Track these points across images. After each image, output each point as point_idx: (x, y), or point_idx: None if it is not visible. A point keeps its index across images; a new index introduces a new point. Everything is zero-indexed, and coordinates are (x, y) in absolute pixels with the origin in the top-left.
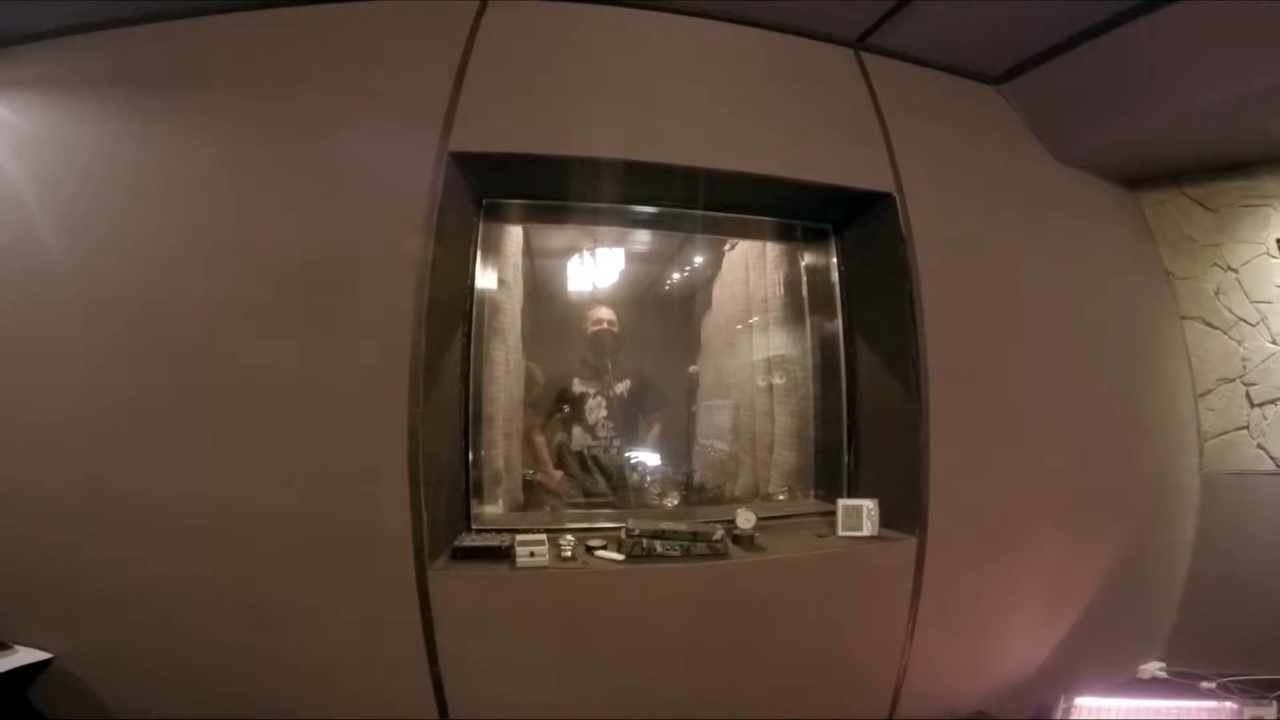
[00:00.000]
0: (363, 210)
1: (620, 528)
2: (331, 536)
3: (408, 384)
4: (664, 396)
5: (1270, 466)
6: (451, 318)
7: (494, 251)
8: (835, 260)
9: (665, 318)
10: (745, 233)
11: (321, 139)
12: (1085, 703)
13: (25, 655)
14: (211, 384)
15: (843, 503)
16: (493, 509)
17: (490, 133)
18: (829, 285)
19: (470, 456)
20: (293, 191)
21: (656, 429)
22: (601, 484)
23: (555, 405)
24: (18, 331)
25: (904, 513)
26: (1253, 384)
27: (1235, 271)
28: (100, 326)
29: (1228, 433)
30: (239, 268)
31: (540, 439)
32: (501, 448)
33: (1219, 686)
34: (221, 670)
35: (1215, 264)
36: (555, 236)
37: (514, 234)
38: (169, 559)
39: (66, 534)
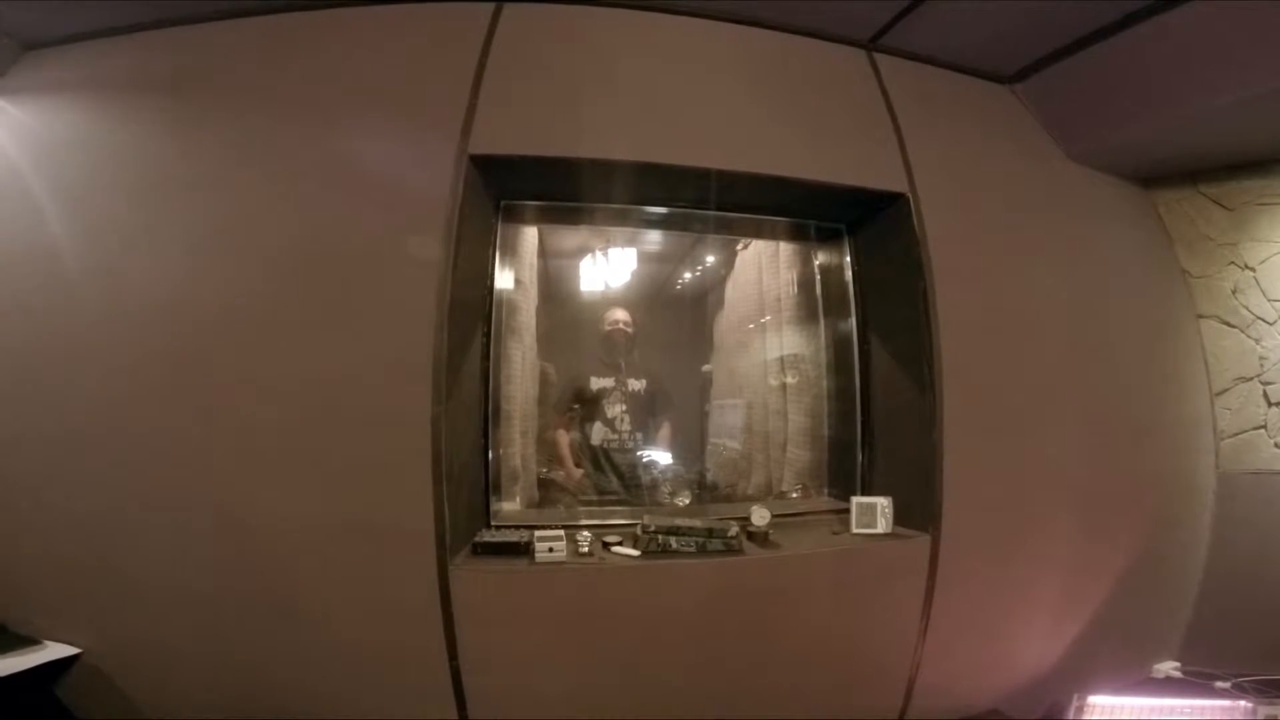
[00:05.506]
0: (386, 212)
1: (635, 524)
2: (355, 533)
3: (430, 383)
4: (677, 394)
5: None
6: (471, 317)
7: (511, 252)
8: (849, 259)
9: (678, 317)
10: (758, 233)
11: (345, 143)
12: (1098, 701)
13: (54, 650)
14: (237, 383)
15: (857, 500)
16: (510, 506)
17: (508, 135)
18: (842, 284)
19: (489, 454)
20: (316, 194)
21: (670, 427)
22: (615, 482)
23: (571, 403)
24: (44, 334)
25: (918, 510)
26: (1270, 382)
27: (1253, 270)
28: (124, 327)
29: (1245, 432)
30: (263, 269)
31: (563, 436)
32: (519, 445)
33: (1234, 686)
34: (244, 664)
35: (1232, 262)
36: (570, 237)
37: (530, 235)
38: (193, 555)
39: (93, 531)
